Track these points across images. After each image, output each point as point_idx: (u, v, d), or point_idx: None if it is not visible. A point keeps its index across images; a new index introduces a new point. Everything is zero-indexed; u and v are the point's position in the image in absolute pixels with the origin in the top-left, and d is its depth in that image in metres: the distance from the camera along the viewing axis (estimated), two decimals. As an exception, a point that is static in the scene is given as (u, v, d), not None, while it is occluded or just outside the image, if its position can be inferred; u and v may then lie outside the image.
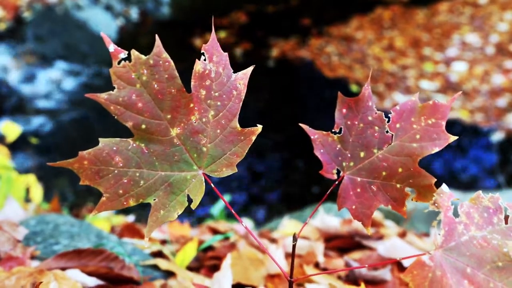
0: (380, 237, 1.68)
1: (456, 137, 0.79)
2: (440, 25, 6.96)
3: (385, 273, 1.37)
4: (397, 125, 0.81)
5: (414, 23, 7.08)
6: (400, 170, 0.80)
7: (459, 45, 6.50)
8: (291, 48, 6.59)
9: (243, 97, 0.79)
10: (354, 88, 5.70)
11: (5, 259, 1.16)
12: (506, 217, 0.81)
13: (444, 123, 0.79)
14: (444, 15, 7.19)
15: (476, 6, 7.33)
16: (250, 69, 0.80)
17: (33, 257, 1.25)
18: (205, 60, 0.78)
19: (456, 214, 0.80)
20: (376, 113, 0.82)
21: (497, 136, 4.94)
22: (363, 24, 7.10)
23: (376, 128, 0.82)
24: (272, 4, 7.56)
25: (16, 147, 3.98)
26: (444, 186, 0.80)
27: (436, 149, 0.79)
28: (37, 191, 2.24)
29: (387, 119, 0.81)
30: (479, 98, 5.47)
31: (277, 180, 4.66)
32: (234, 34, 6.93)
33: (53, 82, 5.69)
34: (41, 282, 0.99)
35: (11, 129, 2.57)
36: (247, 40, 6.76)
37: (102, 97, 0.74)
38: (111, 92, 0.74)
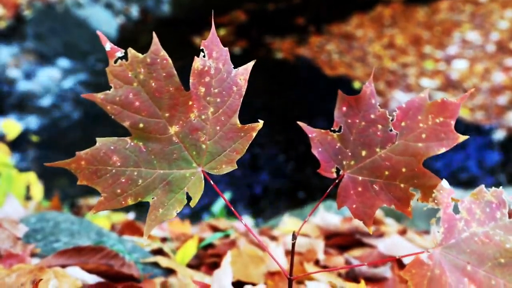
0: (381, 235, 1.68)
1: (466, 137, 0.75)
2: (440, 23, 6.95)
3: (385, 271, 1.37)
4: (402, 124, 0.78)
5: (414, 21, 7.06)
6: (403, 170, 0.78)
7: (460, 43, 6.49)
8: (291, 46, 6.58)
9: (244, 93, 0.78)
10: (357, 85, 5.68)
11: (5, 256, 1.16)
12: (510, 212, 0.78)
13: (453, 122, 0.75)
14: (445, 13, 7.18)
15: (476, 4, 7.31)
16: (251, 64, 0.79)
17: (33, 255, 1.25)
18: (204, 56, 0.77)
19: (456, 211, 0.78)
20: (379, 111, 0.79)
21: (499, 135, 4.93)
22: (364, 22, 7.08)
23: (379, 126, 0.79)
24: (272, 3, 7.55)
25: (17, 145, 3.98)
26: (444, 182, 0.78)
27: (443, 149, 0.76)
28: (37, 189, 2.24)
29: (391, 117, 0.79)
30: (479, 96, 5.46)
31: (276, 178, 4.65)
32: (233, 32, 6.92)
33: (53, 80, 5.69)
34: (41, 280, 0.99)
35: (12, 127, 2.57)
36: (246, 38, 6.75)
37: (99, 97, 0.73)
38: (107, 91, 0.73)
